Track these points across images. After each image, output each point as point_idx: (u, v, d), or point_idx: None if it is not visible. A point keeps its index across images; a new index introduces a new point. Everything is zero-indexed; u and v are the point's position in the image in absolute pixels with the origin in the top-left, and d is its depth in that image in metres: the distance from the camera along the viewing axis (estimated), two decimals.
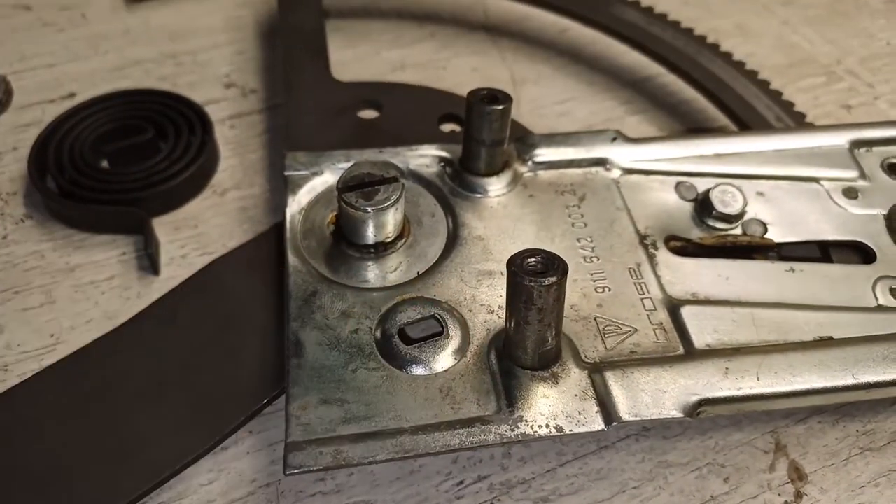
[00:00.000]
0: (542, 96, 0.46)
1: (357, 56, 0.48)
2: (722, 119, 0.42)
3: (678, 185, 0.35)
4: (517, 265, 0.25)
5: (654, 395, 0.26)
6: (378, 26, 0.50)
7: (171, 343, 0.31)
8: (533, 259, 0.25)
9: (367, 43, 0.49)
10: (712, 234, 0.33)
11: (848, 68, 0.50)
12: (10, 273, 0.35)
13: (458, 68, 0.48)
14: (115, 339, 0.32)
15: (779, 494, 0.29)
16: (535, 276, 0.24)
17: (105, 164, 0.39)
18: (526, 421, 0.26)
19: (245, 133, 0.43)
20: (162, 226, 0.37)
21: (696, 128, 0.44)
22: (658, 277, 0.31)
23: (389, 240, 0.31)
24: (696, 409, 0.26)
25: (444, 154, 0.35)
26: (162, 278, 0.35)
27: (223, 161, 0.41)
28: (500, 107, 0.32)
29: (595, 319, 0.30)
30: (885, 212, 0.34)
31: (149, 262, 0.35)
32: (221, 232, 0.37)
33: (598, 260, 0.32)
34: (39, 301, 0.34)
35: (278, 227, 0.35)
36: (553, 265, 0.24)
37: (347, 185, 0.30)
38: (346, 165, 0.33)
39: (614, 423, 0.26)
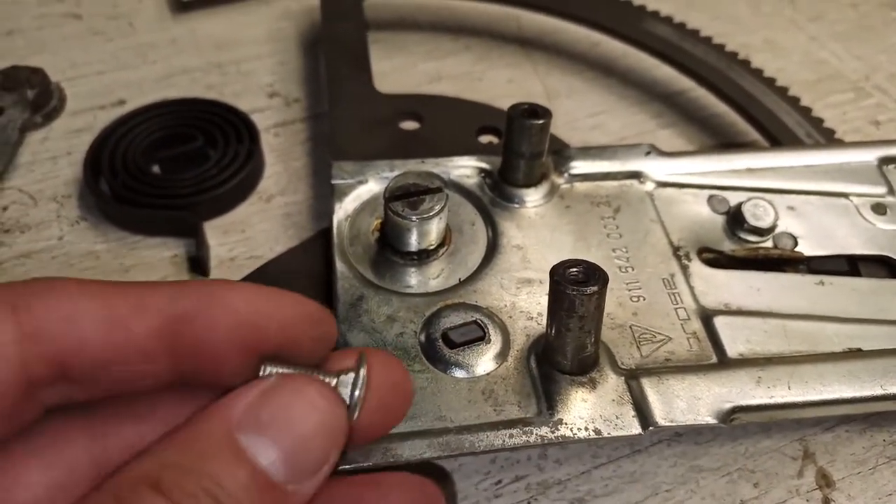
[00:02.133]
0: (574, 109, 0.47)
1: (395, 67, 0.49)
2: (752, 134, 0.43)
3: (711, 198, 0.36)
4: (560, 274, 0.26)
5: (688, 402, 0.28)
6: (415, 38, 0.52)
7: None
8: (575, 269, 0.26)
9: (404, 55, 0.51)
10: (744, 247, 0.35)
11: (876, 84, 0.50)
12: (66, 273, 0.37)
13: (492, 81, 0.49)
14: None
15: (807, 500, 0.30)
16: (576, 285, 0.25)
17: (156, 169, 0.41)
18: (565, 423, 0.27)
19: (289, 141, 0.44)
20: (211, 230, 0.39)
21: (728, 143, 0.45)
22: (691, 288, 0.32)
23: (432, 247, 0.33)
24: (730, 416, 0.27)
25: (483, 165, 0.36)
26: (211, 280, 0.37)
27: (268, 168, 0.42)
28: (540, 121, 0.33)
29: (630, 328, 0.31)
30: None
31: (199, 265, 0.37)
32: (268, 236, 0.39)
33: (633, 270, 0.33)
34: None
35: (324, 233, 0.37)
36: (594, 275, 0.26)
37: (394, 195, 0.31)
38: (390, 175, 0.35)
39: (650, 428, 0.27)
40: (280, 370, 0.21)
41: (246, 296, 0.20)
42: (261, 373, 0.20)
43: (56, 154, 0.43)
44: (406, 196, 0.32)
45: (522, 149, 0.34)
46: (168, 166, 0.40)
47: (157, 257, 0.38)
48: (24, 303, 0.19)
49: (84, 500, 0.18)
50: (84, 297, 0.19)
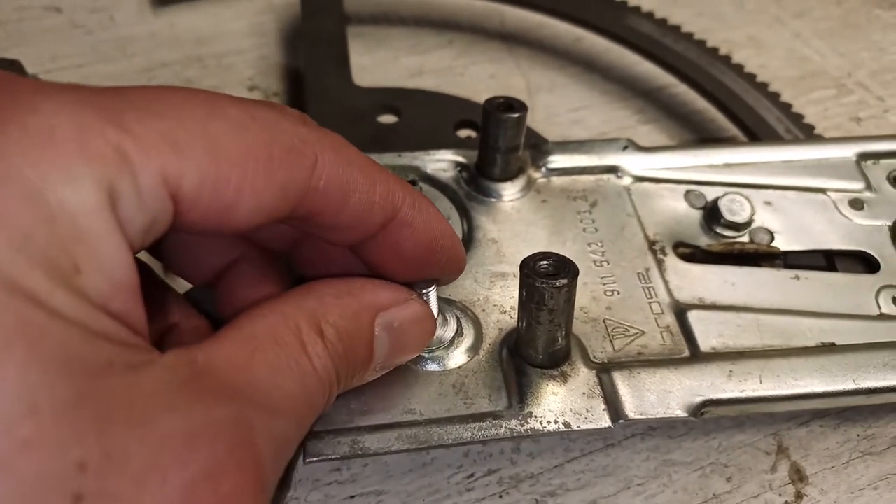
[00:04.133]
0: (556, 104, 0.47)
1: (376, 62, 0.49)
2: (732, 129, 0.43)
3: (687, 193, 0.36)
4: (530, 267, 0.26)
5: (659, 395, 0.27)
6: (397, 33, 0.52)
7: None
8: (545, 262, 0.26)
9: (386, 49, 0.50)
10: (720, 242, 0.34)
11: (858, 81, 0.50)
12: None
13: (474, 75, 0.49)
14: None
15: (779, 494, 0.30)
16: (546, 278, 0.25)
17: None
18: (535, 417, 0.27)
19: None
20: None
21: (708, 138, 0.45)
22: (666, 282, 0.32)
23: None
24: (700, 410, 0.27)
25: (460, 159, 0.36)
26: None
27: None
28: (516, 115, 0.33)
29: (604, 321, 0.31)
30: (889, 223, 0.35)
31: None
32: None
33: (608, 264, 0.33)
34: None
35: None
36: (564, 268, 0.26)
37: None
38: None
39: (620, 421, 0.27)
40: (427, 293, 0.26)
41: (441, 226, 0.25)
42: (416, 288, 0.26)
43: None
44: None
45: (498, 143, 0.34)
46: None
47: None
48: (318, 154, 0.21)
49: (265, 322, 0.21)
50: (354, 171, 0.22)
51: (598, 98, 0.48)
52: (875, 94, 0.49)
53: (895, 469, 0.31)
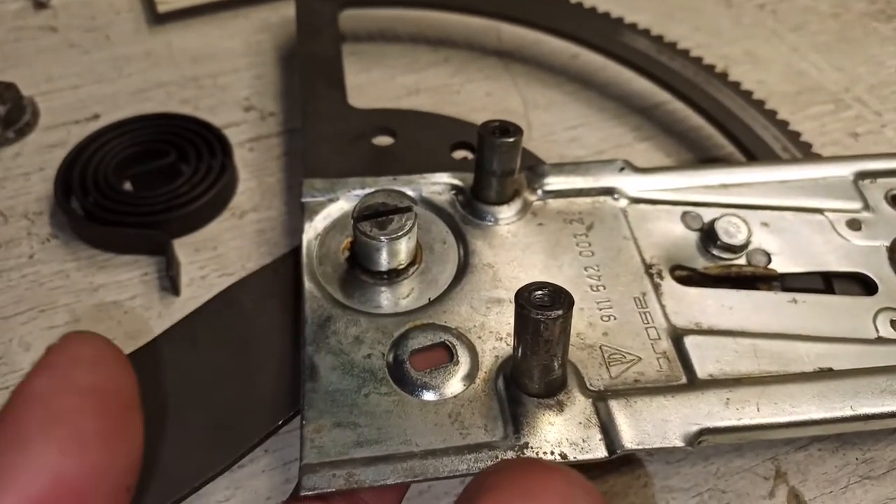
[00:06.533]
0: (552, 122, 0.47)
1: (373, 80, 0.49)
2: (730, 146, 0.43)
3: (684, 214, 0.36)
4: (524, 298, 0.25)
5: (656, 425, 0.27)
6: (393, 50, 0.52)
7: (191, 364, 0.32)
8: (540, 292, 0.26)
9: (382, 67, 0.50)
10: (717, 264, 0.34)
11: (856, 96, 0.50)
12: (36, 292, 0.37)
13: (471, 93, 0.49)
14: (138, 359, 0.33)
15: None
16: (541, 309, 0.25)
17: (128, 186, 0.41)
18: (531, 447, 0.27)
19: (263, 156, 0.44)
20: (182, 247, 0.39)
21: (707, 158, 0.45)
22: (663, 307, 0.32)
23: (402, 266, 0.32)
24: (698, 439, 0.27)
25: (456, 182, 0.36)
26: (182, 298, 0.36)
27: (242, 183, 0.42)
28: (511, 139, 0.33)
29: (600, 348, 0.30)
30: (887, 243, 0.35)
31: (170, 283, 0.36)
32: (240, 254, 0.39)
33: (605, 289, 0.33)
34: (64, 319, 0.36)
35: (295, 252, 0.36)
36: (559, 298, 0.25)
37: (362, 215, 0.31)
38: (362, 192, 0.35)
39: (617, 452, 0.27)
40: None
41: None
42: None
43: (28, 170, 0.43)
44: (375, 216, 0.31)
45: (493, 167, 0.34)
46: (140, 182, 0.40)
47: (128, 276, 0.37)
48: None
49: None
50: None
51: (594, 115, 0.48)
52: (872, 108, 0.49)
53: (894, 493, 0.31)
